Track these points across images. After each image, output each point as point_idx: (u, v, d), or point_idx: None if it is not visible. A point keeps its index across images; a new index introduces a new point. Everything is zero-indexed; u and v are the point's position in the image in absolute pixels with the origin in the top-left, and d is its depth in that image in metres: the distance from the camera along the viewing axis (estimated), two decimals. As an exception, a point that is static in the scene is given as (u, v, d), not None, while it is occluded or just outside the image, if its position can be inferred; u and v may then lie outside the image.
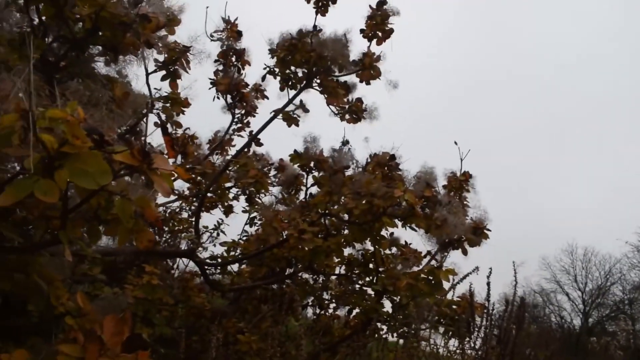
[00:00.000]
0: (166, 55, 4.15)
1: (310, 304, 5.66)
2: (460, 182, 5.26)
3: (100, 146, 1.56)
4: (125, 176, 1.76)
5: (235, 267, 5.46)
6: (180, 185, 5.83)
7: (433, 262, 4.79)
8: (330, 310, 5.52)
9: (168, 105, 4.27)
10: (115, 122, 2.28)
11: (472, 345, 3.57)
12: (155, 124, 3.99)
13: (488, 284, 3.45)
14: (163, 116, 4.19)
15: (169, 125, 4.50)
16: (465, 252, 4.52)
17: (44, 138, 1.56)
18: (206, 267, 4.93)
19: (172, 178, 2.13)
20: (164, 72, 4.29)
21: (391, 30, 4.96)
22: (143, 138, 1.86)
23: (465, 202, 5.25)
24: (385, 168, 4.57)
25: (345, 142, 5.27)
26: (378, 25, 4.95)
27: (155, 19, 2.60)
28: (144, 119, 3.47)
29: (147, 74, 4.23)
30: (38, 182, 1.55)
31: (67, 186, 1.72)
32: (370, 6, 5.03)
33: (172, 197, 5.57)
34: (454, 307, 4.59)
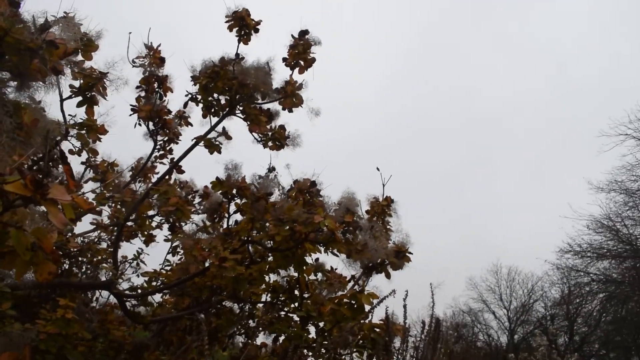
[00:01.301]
0: (82, 81, 4.04)
1: (237, 332, 5.57)
2: (382, 207, 5.40)
3: (-11, 177, 1.51)
4: (20, 207, 1.70)
5: (158, 297, 5.32)
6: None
7: (357, 287, 4.86)
8: (258, 339, 5.46)
9: (83, 132, 4.14)
10: (17, 150, 2.21)
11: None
12: (67, 151, 3.86)
13: (404, 306, 3.55)
14: (78, 143, 4.06)
15: (84, 152, 4.36)
16: (388, 276, 4.60)
17: None
18: (126, 298, 4.76)
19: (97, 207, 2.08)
20: (80, 98, 4.17)
21: (313, 59, 5.08)
22: (45, 166, 1.80)
23: (387, 227, 5.37)
24: (307, 194, 4.62)
25: (271, 169, 5.30)
26: (300, 54, 5.07)
27: (63, 45, 2.54)
28: (57, 146, 3.36)
29: (62, 100, 4.11)
30: None
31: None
32: (292, 35, 5.15)
33: (91, 227, 5.37)
34: (377, 330, 4.66)
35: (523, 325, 24.40)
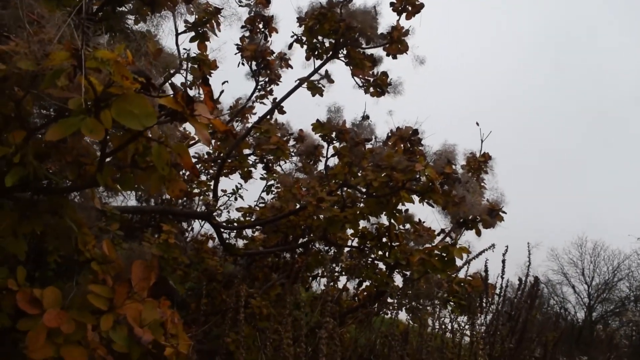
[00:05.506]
0: (196, 17, 4.15)
1: (320, 275, 5.72)
2: (479, 163, 5.26)
3: (146, 89, 1.59)
4: (165, 123, 1.80)
5: (249, 232, 5.52)
6: (200, 148, 5.88)
7: (447, 240, 4.82)
8: (340, 283, 5.58)
9: (196, 66, 4.28)
10: (154, 72, 2.31)
11: (483, 321, 3.62)
12: (180, 85, 4.00)
13: (503, 261, 3.50)
14: (190, 77, 4.20)
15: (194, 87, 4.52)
16: (479, 233, 4.51)
17: (90, 78, 1.60)
18: (223, 230, 5.00)
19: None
20: (192, 34, 4.30)
21: (421, 5, 4.91)
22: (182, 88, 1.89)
23: (482, 184, 5.25)
24: (407, 142, 4.57)
25: (365, 117, 5.27)
26: (408, -1, 4.91)
27: (194, -26, 2.61)
28: (172, 78, 3.50)
29: (177, 34, 4.24)
30: (84, 120, 1.59)
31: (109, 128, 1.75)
32: (401, -21, 4.99)
33: (193, 160, 5.61)
34: (464, 285, 4.62)
35: (603, 303, 23.42)
